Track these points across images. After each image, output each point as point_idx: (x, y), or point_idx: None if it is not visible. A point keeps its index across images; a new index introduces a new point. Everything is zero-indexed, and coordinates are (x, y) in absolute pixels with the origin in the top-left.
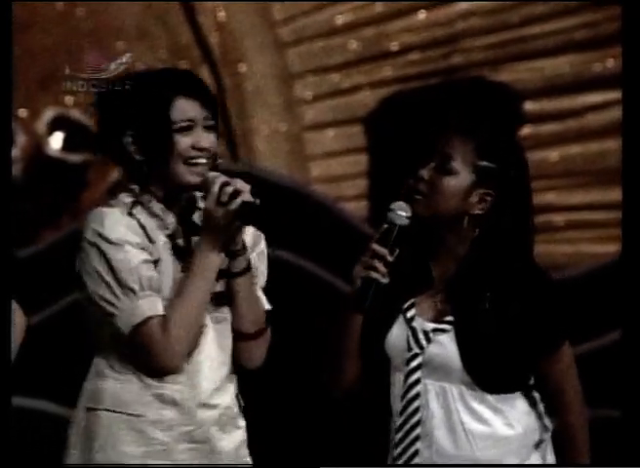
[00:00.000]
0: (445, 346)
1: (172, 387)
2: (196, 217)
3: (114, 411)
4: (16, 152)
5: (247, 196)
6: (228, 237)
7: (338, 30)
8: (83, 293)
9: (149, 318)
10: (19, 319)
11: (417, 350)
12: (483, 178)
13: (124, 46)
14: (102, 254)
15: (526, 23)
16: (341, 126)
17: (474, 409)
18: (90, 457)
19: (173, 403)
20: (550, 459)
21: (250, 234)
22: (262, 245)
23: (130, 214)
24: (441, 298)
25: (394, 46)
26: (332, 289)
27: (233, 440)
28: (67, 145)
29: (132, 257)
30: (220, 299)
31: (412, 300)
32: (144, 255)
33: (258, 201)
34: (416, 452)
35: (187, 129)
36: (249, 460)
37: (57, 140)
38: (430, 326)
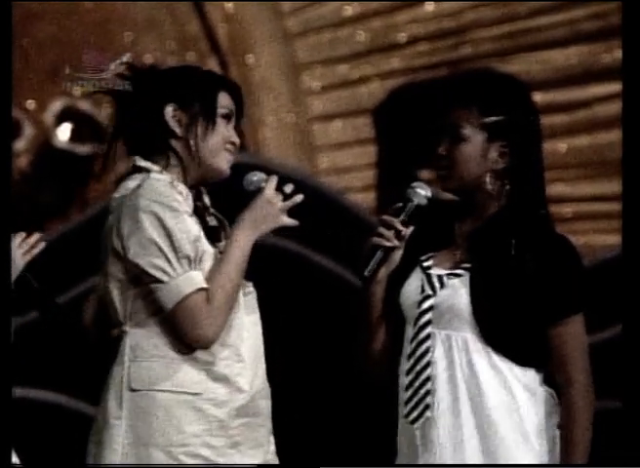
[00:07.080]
0: (456, 290)
1: (220, 363)
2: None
3: (172, 392)
4: (23, 144)
5: (298, 199)
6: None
7: (346, 21)
8: (119, 271)
9: (200, 289)
10: None
11: (429, 292)
12: (494, 133)
13: (132, 37)
14: (160, 221)
15: (534, 15)
16: (349, 117)
17: (475, 363)
18: (149, 441)
19: (224, 378)
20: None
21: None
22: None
23: (172, 187)
24: (461, 251)
25: (402, 37)
26: (339, 280)
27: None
28: (75, 137)
29: (190, 227)
30: (246, 273)
31: (430, 254)
32: (198, 227)
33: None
34: (427, 393)
35: (227, 117)
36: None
37: (64, 132)
38: (445, 271)
